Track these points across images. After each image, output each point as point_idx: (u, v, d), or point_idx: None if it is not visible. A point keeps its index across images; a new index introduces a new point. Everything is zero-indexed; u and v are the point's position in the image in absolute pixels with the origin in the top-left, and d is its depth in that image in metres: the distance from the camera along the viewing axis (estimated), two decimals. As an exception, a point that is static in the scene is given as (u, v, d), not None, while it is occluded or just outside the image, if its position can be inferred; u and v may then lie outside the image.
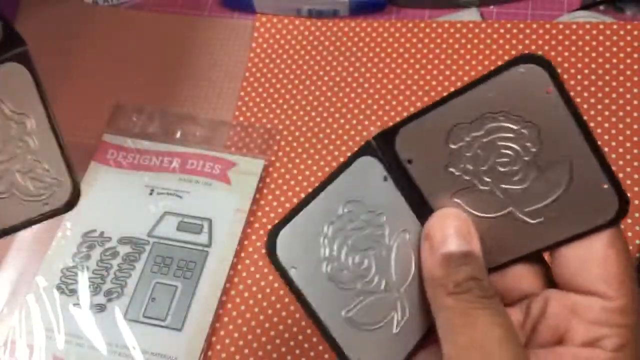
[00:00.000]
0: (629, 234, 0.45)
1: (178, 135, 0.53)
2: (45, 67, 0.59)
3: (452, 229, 0.24)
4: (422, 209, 0.26)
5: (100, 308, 0.46)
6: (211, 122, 0.53)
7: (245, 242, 0.49)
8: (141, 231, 0.48)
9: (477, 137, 0.24)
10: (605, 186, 0.24)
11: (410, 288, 0.26)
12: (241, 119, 0.54)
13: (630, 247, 0.45)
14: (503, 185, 0.25)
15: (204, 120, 0.53)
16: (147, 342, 0.44)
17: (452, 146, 0.25)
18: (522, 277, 0.26)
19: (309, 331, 0.45)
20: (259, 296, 0.47)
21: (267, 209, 0.50)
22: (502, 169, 0.24)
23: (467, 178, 0.25)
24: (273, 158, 0.52)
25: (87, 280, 0.47)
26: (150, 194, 0.50)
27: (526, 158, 0.24)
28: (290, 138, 0.53)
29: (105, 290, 0.46)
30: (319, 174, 0.51)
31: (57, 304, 0.46)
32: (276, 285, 0.47)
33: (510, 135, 0.24)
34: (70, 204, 0.30)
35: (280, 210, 0.50)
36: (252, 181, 0.50)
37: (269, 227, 0.47)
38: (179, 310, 0.45)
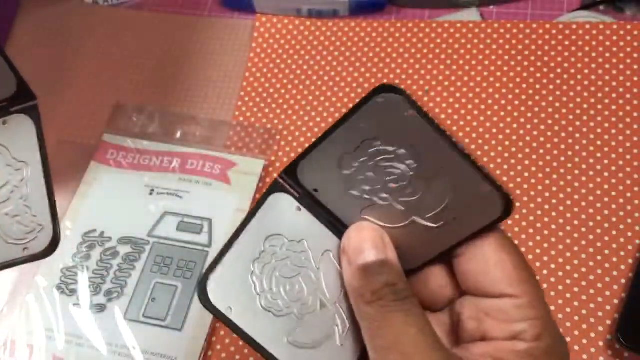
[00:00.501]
0: (629, 233, 0.45)
1: (178, 135, 0.53)
2: (45, 67, 0.60)
3: (368, 241, 0.26)
4: (339, 228, 0.29)
5: (100, 308, 0.46)
6: (211, 122, 0.53)
7: None
8: (141, 231, 0.48)
9: (364, 162, 0.27)
10: (487, 189, 0.26)
11: (344, 300, 0.28)
12: (241, 119, 0.54)
13: (630, 247, 0.45)
14: (400, 199, 0.27)
15: (204, 120, 0.53)
16: (147, 342, 0.44)
17: (346, 172, 0.27)
18: (444, 284, 0.27)
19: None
20: None
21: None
22: (394, 185, 0.27)
23: (368, 197, 0.27)
24: (273, 158, 0.52)
25: (87, 280, 0.47)
26: (150, 194, 0.50)
27: (411, 173, 0.26)
28: (290, 138, 0.53)
29: (106, 290, 0.46)
30: (319, 173, 0.51)
31: (57, 304, 0.46)
32: None
33: (391, 156, 0.26)
34: (49, 252, 0.31)
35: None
36: (252, 181, 0.50)
37: None
38: (179, 311, 0.45)
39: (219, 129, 0.53)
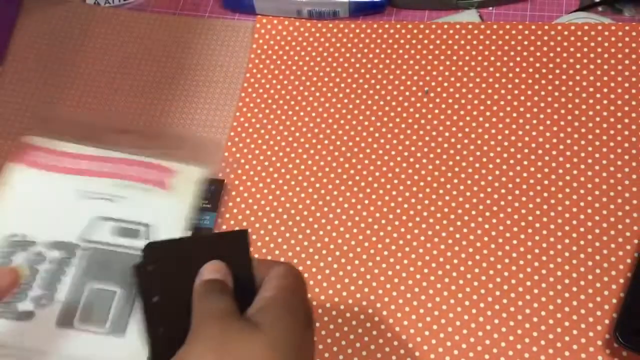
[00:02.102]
0: (627, 233, 0.46)
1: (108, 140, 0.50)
2: (47, 67, 0.60)
3: (210, 266, 0.35)
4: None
5: (28, 315, 0.42)
6: (147, 129, 0.51)
7: None
8: (70, 235, 0.45)
9: None
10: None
11: None
12: (242, 119, 0.54)
13: (629, 247, 0.45)
14: None
15: (138, 127, 0.51)
16: (86, 349, 0.42)
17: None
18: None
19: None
20: None
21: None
22: None
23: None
24: (266, 163, 0.52)
25: None
26: (80, 198, 0.47)
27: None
28: (290, 138, 0.53)
29: (33, 297, 0.43)
30: (319, 174, 0.51)
31: None
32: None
33: None
34: None
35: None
36: (191, 188, 0.48)
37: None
38: (120, 317, 0.43)
39: (155, 138, 0.51)
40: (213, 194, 0.50)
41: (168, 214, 0.47)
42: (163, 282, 0.35)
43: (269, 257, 0.49)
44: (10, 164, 0.48)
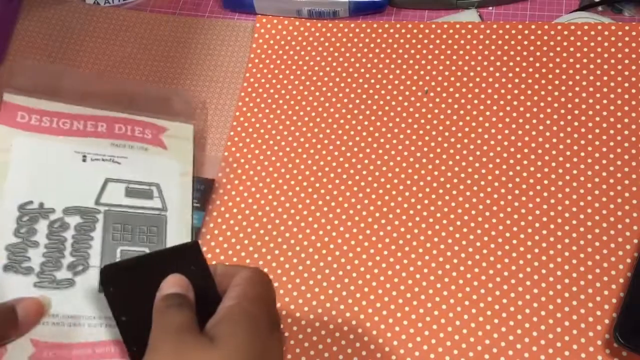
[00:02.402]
0: (627, 233, 0.46)
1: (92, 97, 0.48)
2: (47, 68, 0.60)
3: (170, 280, 0.36)
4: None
5: (69, 283, 0.42)
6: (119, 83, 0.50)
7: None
8: (87, 200, 0.44)
9: None
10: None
11: None
12: (242, 119, 0.54)
13: (628, 247, 0.45)
14: None
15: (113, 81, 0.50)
16: None
17: None
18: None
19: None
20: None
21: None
22: None
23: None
24: (266, 163, 0.52)
25: (41, 256, 0.42)
26: (84, 160, 0.45)
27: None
28: (290, 138, 0.53)
29: (68, 264, 0.42)
30: (319, 173, 0.51)
31: (11, 286, 0.41)
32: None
33: None
34: None
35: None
36: (187, 145, 0.48)
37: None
38: None
39: (136, 95, 0.49)
40: (202, 193, 0.50)
41: (174, 172, 0.47)
42: (127, 301, 0.35)
43: (261, 262, 0.49)
44: (2, 126, 0.45)
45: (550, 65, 0.52)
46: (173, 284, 0.35)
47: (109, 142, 0.46)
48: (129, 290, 0.36)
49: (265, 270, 0.47)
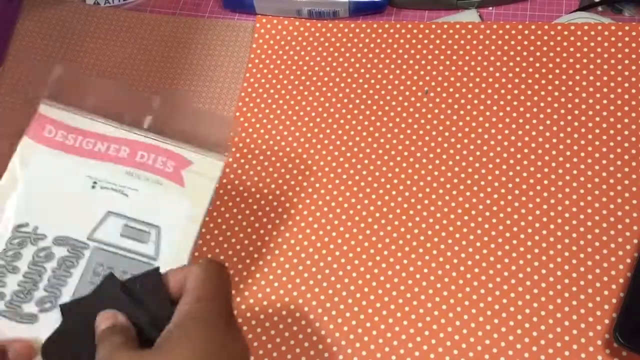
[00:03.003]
0: (627, 233, 0.46)
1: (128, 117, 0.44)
2: (47, 68, 0.60)
3: (102, 316, 0.35)
4: None
5: (31, 319, 0.39)
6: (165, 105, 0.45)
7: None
8: (81, 232, 0.41)
9: None
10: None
11: None
12: (242, 119, 0.54)
13: (628, 247, 0.45)
14: None
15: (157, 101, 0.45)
16: None
17: None
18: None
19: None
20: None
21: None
22: None
23: None
24: (266, 163, 0.52)
25: (16, 284, 0.39)
26: (93, 187, 0.42)
27: None
28: (290, 138, 0.53)
29: (38, 299, 0.39)
30: (319, 173, 0.51)
31: None
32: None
33: None
34: None
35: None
36: (208, 185, 0.43)
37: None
38: None
39: (173, 116, 0.45)
40: None
41: (182, 216, 0.42)
42: (81, 342, 0.34)
43: (261, 262, 0.48)
44: (27, 138, 0.42)
45: (550, 65, 0.52)
46: (103, 320, 0.34)
47: (124, 169, 0.42)
48: (83, 329, 0.34)
49: (265, 270, 0.48)
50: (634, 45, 0.52)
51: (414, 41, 0.55)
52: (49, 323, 0.37)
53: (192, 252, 0.42)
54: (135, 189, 0.42)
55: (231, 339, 0.32)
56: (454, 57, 0.54)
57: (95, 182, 0.42)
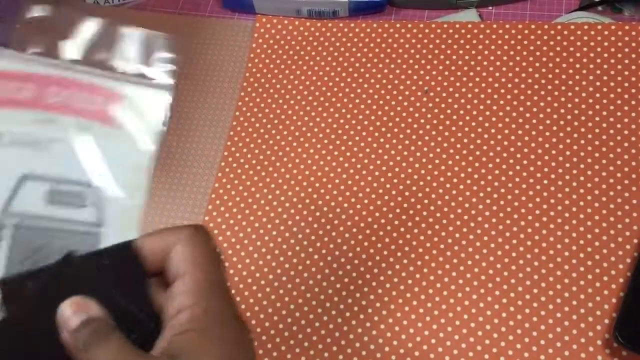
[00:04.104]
0: (627, 233, 0.46)
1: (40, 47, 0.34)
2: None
3: (69, 309, 0.28)
4: None
5: None
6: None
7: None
8: None
9: None
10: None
11: None
12: (242, 119, 0.54)
13: (628, 247, 0.45)
14: None
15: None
16: None
17: None
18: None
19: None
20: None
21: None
22: None
23: None
24: (266, 163, 0.52)
25: None
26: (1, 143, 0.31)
27: None
28: (290, 138, 0.53)
29: None
30: (319, 173, 0.51)
31: None
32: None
33: None
34: None
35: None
36: (152, 124, 0.33)
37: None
38: None
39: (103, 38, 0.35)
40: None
41: (123, 165, 0.32)
42: (33, 335, 0.27)
43: (261, 262, 0.48)
44: None
45: (550, 65, 0.52)
46: (75, 311, 0.27)
47: (32, 114, 0.31)
48: (31, 318, 0.27)
49: (265, 270, 0.48)
50: (634, 44, 0.52)
51: (413, 41, 0.55)
52: None
53: (145, 207, 0.32)
54: (53, 140, 0.31)
55: (241, 328, 0.28)
56: (454, 57, 0.54)
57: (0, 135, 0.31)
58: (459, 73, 0.53)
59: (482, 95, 0.52)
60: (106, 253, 0.29)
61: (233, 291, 0.47)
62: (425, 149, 0.51)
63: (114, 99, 0.33)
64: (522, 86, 0.52)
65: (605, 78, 0.51)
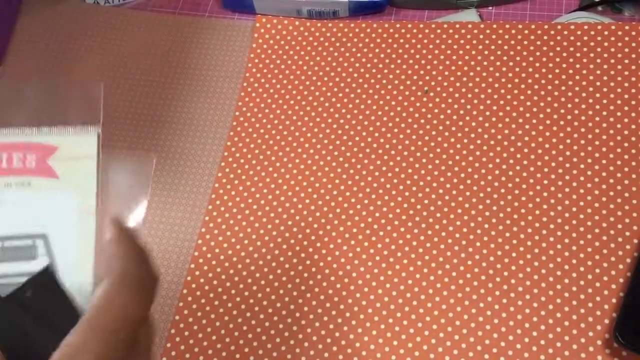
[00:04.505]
0: (627, 233, 0.46)
1: None
2: (46, 67, 0.60)
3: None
4: None
5: None
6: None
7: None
8: None
9: None
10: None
11: None
12: (241, 119, 0.54)
13: (628, 247, 0.45)
14: None
15: None
16: None
17: None
18: None
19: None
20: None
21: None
22: None
23: None
24: (266, 163, 0.52)
25: None
26: None
27: None
28: (290, 138, 0.53)
29: None
30: (319, 173, 0.51)
31: None
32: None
33: None
34: None
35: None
36: (89, 165, 0.33)
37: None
38: None
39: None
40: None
41: (70, 210, 0.33)
42: None
43: (261, 262, 0.48)
44: None
45: (550, 65, 0.52)
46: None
47: None
48: None
49: (265, 270, 0.48)
50: (634, 45, 0.52)
51: (413, 41, 0.55)
52: None
53: (95, 247, 0.33)
54: None
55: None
56: (454, 57, 0.54)
57: None
58: (459, 73, 0.53)
59: (482, 95, 0.52)
60: (28, 284, 0.29)
61: (233, 291, 0.47)
62: (425, 149, 0.51)
63: (47, 151, 0.33)
64: (522, 86, 0.52)
65: (605, 78, 0.51)
